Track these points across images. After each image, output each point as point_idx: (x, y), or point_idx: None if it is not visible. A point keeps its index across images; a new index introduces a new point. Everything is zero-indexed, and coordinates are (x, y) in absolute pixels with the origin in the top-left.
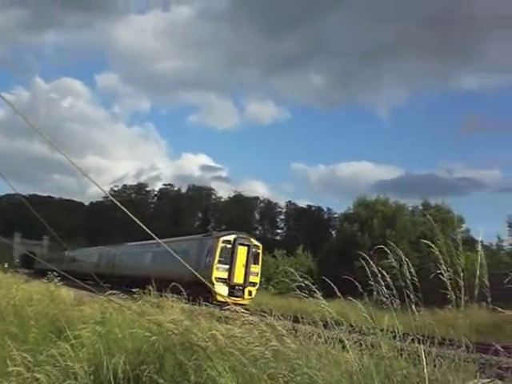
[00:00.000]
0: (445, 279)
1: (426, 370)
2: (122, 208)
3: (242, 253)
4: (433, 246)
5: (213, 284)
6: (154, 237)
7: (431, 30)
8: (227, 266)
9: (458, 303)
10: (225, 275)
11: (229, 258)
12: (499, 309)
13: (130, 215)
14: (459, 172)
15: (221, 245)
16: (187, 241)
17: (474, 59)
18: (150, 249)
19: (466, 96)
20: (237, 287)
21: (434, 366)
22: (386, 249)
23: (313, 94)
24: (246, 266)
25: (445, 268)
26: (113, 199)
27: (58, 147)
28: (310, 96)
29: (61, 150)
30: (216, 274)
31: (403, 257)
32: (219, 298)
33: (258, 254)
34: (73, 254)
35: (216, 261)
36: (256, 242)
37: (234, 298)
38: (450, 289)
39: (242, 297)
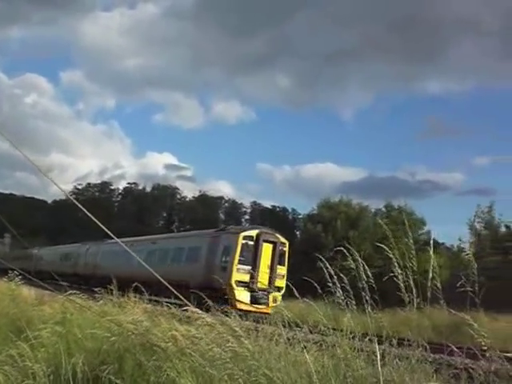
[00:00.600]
0: (398, 281)
1: (380, 371)
2: (81, 208)
3: (266, 251)
4: (387, 249)
5: (232, 288)
6: (113, 236)
7: (396, 34)
8: (249, 268)
9: (416, 304)
10: (246, 278)
11: (251, 257)
12: (452, 311)
13: (89, 215)
14: (422, 174)
15: (241, 241)
16: (197, 236)
17: (438, 63)
18: (141, 246)
19: (429, 99)
20: (261, 293)
21: (392, 367)
22: (346, 250)
23: (278, 95)
24: (272, 268)
25: (399, 270)
26: (72, 199)
27: (18, 147)
28: (275, 97)
29: (21, 149)
30: (236, 276)
31: (359, 259)
32: (239, 306)
33: (285, 252)
34: (42, 253)
35: (236, 261)
36: (283, 239)
37: (257, 306)
38: (403, 290)
39: (266, 304)
